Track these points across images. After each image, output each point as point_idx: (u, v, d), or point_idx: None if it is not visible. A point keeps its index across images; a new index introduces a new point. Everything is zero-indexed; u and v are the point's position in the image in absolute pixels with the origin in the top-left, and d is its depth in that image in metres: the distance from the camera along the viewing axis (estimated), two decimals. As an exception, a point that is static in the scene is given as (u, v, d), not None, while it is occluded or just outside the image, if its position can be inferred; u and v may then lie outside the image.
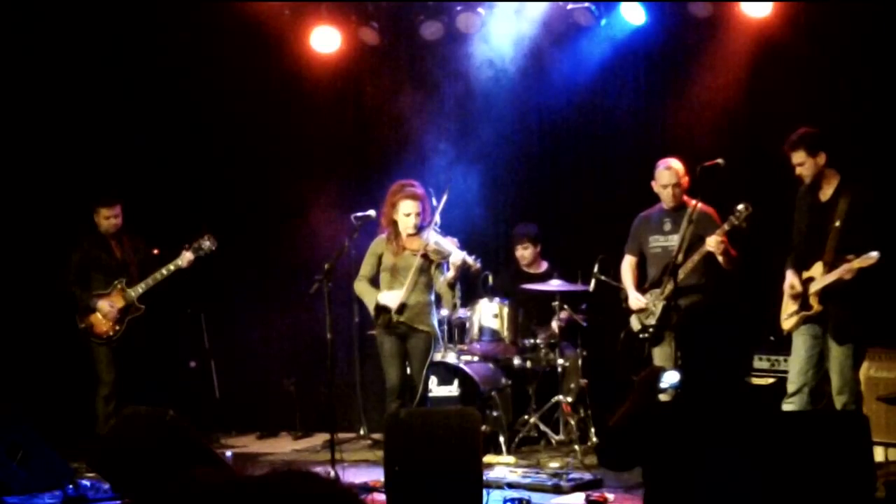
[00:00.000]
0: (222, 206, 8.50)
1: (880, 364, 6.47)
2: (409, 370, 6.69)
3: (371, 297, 6.58)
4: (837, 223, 5.71)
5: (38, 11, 7.99)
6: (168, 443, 5.33)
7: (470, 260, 6.39)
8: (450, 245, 6.44)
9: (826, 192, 5.85)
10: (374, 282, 6.66)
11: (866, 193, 5.77)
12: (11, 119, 8.08)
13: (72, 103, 8.23)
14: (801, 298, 5.82)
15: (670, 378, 3.36)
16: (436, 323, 6.68)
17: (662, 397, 5.67)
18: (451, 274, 6.41)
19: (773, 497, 3.08)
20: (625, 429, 3.31)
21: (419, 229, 6.53)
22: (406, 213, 6.50)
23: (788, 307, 5.89)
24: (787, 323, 5.88)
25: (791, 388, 5.83)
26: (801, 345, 5.85)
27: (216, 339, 8.38)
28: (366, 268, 6.67)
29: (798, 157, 5.80)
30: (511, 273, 8.03)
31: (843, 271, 5.60)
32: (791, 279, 5.88)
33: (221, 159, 8.63)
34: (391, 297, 6.51)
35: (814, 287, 5.76)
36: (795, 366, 5.86)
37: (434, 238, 6.45)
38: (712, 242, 6.25)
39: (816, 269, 5.77)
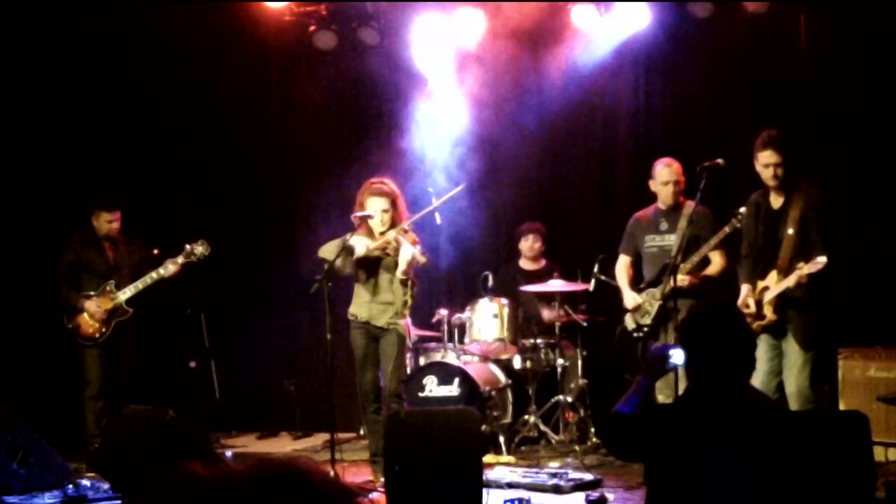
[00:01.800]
0: (222, 207, 8.50)
1: (880, 364, 6.47)
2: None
3: (334, 245, 6.27)
4: (791, 230, 5.69)
5: (37, 12, 7.98)
6: (168, 443, 5.33)
7: (418, 255, 6.21)
8: (406, 242, 6.27)
9: (778, 199, 5.83)
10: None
11: (816, 197, 5.73)
12: (5, 118, 8.07)
13: (71, 104, 8.22)
14: (756, 308, 5.79)
15: (678, 356, 3.36)
16: (403, 322, 6.43)
17: (661, 398, 5.70)
18: (400, 269, 6.22)
19: (773, 497, 3.08)
20: (632, 411, 3.31)
21: (392, 226, 6.36)
22: (373, 211, 6.32)
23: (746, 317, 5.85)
24: None
25: None
26: (761, 355, 5.75)
27: (216, 339, 8.38)
28: (335, 262, 6.29)
29: (775, 156, 5.74)
30: (511, 271, 8.04)
31: (795, 277, 5.59)
32: (744, 297, 5.85)
33: (221, 159, 8.63)
34: (360, 241, 6.27)
35: (768, 296, 5.73)
36: (757, 378, 5.80)
37: (394, 235, 6.34)
38: (683, 283, 6.23)
39: (771, 277, 5.75)
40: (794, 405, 5.66)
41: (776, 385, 5.77)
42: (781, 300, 5.68)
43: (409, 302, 6.37)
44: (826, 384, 5.92)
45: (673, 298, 6.27)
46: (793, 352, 5.69)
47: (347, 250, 6.25)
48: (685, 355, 3.30)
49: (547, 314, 7.68)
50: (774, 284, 5.72)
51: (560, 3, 7.94)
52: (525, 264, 8.08)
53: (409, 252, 6.16)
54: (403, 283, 6.29)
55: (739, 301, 5.86)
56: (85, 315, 7.25)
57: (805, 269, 5.53)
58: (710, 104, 7.79)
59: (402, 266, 6.20)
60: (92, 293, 7.29)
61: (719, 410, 3.16)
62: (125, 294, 7.27)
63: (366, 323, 6.37)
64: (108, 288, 7.31)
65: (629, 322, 6.80)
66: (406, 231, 6.38)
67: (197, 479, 1.52)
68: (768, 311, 5.73)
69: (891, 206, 7.00)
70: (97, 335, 7.25)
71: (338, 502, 1.54)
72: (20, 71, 8.06)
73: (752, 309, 5.78)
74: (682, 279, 6.27)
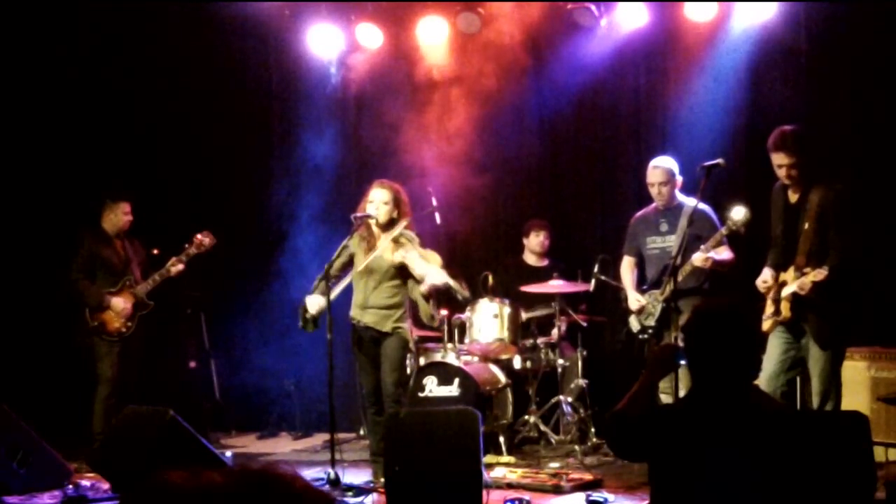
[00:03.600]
0: (222, 206, 8.49)
1: (880, 364, 6.47)
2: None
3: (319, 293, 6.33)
4: (807, 225, 5.68)
5: (41, 10, 7.98)
6: (168, 443, 5.33)
7: (455, 285, 6.21)
8: (426, 264, 6.21)
9: (795, 193, 5.82)
10: (338, 279, 6.43)
11: (835, 192, 5.70)
12: (10, 117, 8.06)
13: (69, 104, 8.22)
14: (774, 302, 5.80)
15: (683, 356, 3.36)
16: (407, 325, 6.42)
17: (661, 398, 5.69)
18: (423, 288, 6.22)
19: (773, 498, 3.08)
20: (634, 411, 3.30)
21: (391, 225, 6.35)
22: (371, 199, 6.34)
23: (768, 308, 5.87)
24: (764, 324, 5.85)
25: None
26: (774, 348, 5.79)
27: (216, 339, 8.37)
28: (334, 263, 6.38)
29: (789, 157, 5.68)
30: (515, 266, 8.04)
31: (798, 286, 5.60)
32: (764, 275, 5.86)
33: (221, 159, 8.62)
34: (312, 302, 6.32)
35: (784, 293, 5.73)
36: (768, 370, 5.78)
37: (411, 256, 6.24)
38: (698, 260, 6.24)
39: (790, 273, 5.75)
40: (817, 402, 5.66)
41: (785, 381, 5.77)
42: (797, 299, 5.68)
43: (436, 316, 6.42)
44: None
45: (674, 299, 6.27)
46: (814, 351, 5.69)
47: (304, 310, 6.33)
48: (688, 355, 3.29)
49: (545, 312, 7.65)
50: (791, 281, 5.72)
51: (560, 3, 7.94)
52: (530, 259, 8.08)
53: (439, 280, 6.17)
54: (426, 297, 6.30)
55: (759, 279, 5.87)
56: (111, 312, 7.22)
57: (809, 277, 5.54)
58: (709, 104, 7.78)
59: (425, 288, 6.20)
60: (112, 289, 7.25)
61: (720, 410, 3.15)
62: (145, 288, 7.28)
63: (368, 328, 6.38)
64: (127, 283, 7.31)
65: (633, 323, 6.80)
66: (411, 240, 6.36)
67: (174, 489, 1.51)
68: (784, 308, 5.72)
69: (891, 206, 7.00)
70: (123, 330, 7.23)
71: None
72: (18, 72, 8.06)
73: (770, 283, 5.78)
74: (704, 259, 6.23)
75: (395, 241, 6.29)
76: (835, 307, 5.66)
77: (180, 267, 7.30)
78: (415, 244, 6.37)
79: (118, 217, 7.33)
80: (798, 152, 5.67)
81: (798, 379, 5.98)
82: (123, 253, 7.40)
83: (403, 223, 6.34)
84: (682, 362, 3.42)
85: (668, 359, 3.50)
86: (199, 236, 7.33)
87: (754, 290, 5.99)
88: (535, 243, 8.02)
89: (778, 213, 5.90)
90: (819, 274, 5.49)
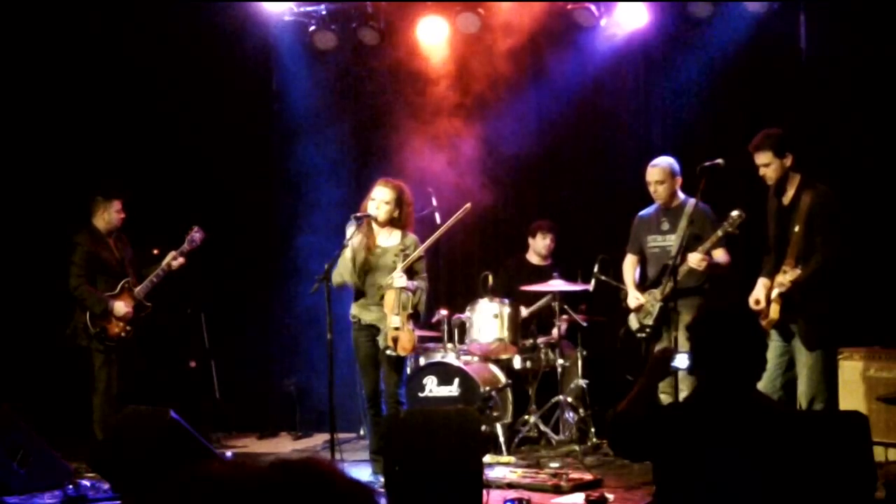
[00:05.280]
0: (222, 206, 8.49)
1: (880, 364, 6.47)
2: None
3: (345, 268, 6.30)
4: (797, 227, 5.70)
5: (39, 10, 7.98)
6: (168, 443, 5.33)
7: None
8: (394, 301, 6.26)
9: (788, 195, 5.85)
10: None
11: (823, 195, 5.73)
12: (6, 115, 8.06)
13: (69, 104, 8.22)
14: (765, 306, 5.83)
15: (682, 360, 3.36)
16: (407, 324, 6.37)
17: (662, 398, 5.70)
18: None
19: (773, 497, 3.08)
20: (635, 412, 3.31)
21: (392, 223, 6.37)
22: (372, 197, 6.33)
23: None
24: None
25: None
26: (770, 352, 5.80)
27: (216, 339, 8.37)
28: (348, 265, 6.36)
29: (764, 157, 5.77)
30: (514, 268, 8.03)
31: (778, 285, 5.62)
32: (756, 293, 5.89)
33: (222, 159, 8.62)
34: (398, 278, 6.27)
35: (772, 294, 5.76)
36: (763, 376, 5.80)
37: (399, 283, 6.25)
38: (693, 261, 6.23)
39: (780, 276, 5.77)
40: (805, 404, 5.66)
41: (780, 384, 5.78)
42: (786, 301, 5.69)
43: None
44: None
45: (673, 299, 6.27)
46: (801, 353, 5.70)
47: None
48: (694, 355, 3.29)
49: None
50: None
51: (560, 3, 7.94)
52: (533, 259, 8.08)
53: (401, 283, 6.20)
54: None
55: (751, 296, 5.88)
56: (113, 317, 7.07)
57: (788, 276, 5.59)
58: (710, 104, 7.79)
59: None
60: (112, 293, 7.12)
61: (721, 410, 3.16)
62: (144, 289, 7.19)
63: (370, 326, 6.37)
64: (125, 285, 7.18)
65: (633, 322, 6.79)
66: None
67: (216, 478, 1.51)
68: (773, 311, 5.74)
69: (890, 206, 7.00)
70: (123, 334, 7.10)
71: (360, 502, 1.54)
72: (16, 71, 8.06)
73: (763, 305, 5.80)
74: (700, 260, 6.22)
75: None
76: (820, 309, 5.68)
77: (181, 260, 7.19)
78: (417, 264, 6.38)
79: (111, 215, 7.19)
80: (773, 153, 5.76)
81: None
82: (118, 252, 7.29)
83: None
84: (682, 366, 3.41)
85: (667, 362, 3.51)
86: (189, 233, 7.21)
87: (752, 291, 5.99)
88: (541, 245, 8.01)
89: (772, 216, 5.94)
90: (794, 273, 5.54)
